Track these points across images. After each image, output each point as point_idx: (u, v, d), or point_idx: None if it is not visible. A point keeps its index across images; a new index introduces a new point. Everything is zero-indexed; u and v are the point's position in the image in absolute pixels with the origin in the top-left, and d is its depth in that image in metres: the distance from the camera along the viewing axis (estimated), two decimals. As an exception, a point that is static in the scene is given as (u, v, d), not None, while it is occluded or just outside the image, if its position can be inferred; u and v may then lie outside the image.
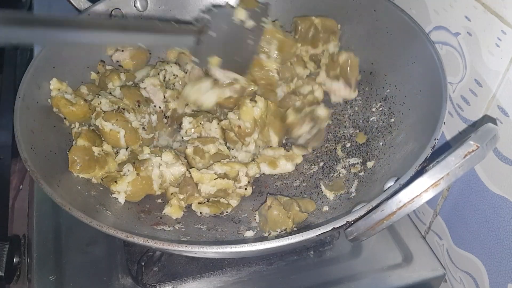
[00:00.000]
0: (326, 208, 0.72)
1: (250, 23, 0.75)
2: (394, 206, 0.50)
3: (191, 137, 0.77)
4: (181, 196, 0.73)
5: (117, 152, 0.75)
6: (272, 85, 0.80)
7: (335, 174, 0.77)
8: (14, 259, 0.75)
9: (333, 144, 0.81)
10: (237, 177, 0.74)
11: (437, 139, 0.58)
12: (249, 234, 0.69)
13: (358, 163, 0.76)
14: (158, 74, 0.82)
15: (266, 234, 0.68)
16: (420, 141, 0.62)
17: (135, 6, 0.88)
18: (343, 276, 0.72)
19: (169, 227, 0.70)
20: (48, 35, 0.55)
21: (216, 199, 0.73)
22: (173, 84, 0.84)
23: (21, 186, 0.89)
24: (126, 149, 0.75)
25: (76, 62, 0.81)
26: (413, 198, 0.49)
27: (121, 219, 0.68)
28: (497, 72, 0.61)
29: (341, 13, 0.84)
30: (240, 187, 0.74)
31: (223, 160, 0.74)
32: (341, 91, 0.83)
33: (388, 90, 0.78)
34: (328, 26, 0.84)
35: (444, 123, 0.60)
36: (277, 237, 0.59)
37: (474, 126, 0.67)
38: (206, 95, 0.76)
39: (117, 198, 0.71)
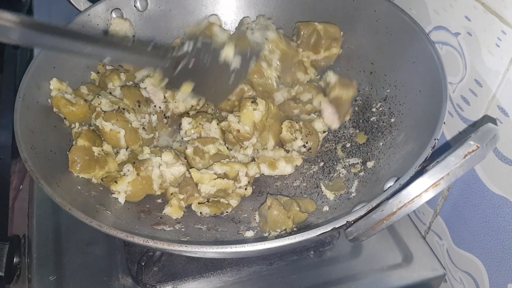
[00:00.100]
0: (326, 208, 0.72)
1: (236, 64, 0.71)
2: (394, 206, 0.50)
3: (191, 138, 0.77)
4: (181, 196, 0.73)
5: (117, 152, 0.75)
6: (270, 92, 0.81)
7: (335, 174, 0.77)
8: (14, 259, 0.75)
9: (333, 144, 0.81)
10: (237, 177, 0.74)
11: (437, 139, 0.58)
12: (249, 234, 0.69)
13: (358, 163, 0.76)
14: (158, 74, 0.82)
15: (266, 234, 0.68)
16: (420, 141, 0.62)
17: (135, 6, 0.88)
18: (343, 276, 0.72)
19: (169, 227, 0.70)
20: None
21: (216, 199, 0.73)
22: (173, 84, 0.84)
23: (21, 186, 0.89)
24: (126, 149, 0.75)
25: (76, 62, 0.81)
26: (413, 198, 0.49)
27: (121, 219, 0.68)
28: (497, 72, 0.61)
29: (341, 13, 0.84)
30: (240, 187, 0.74)
31: (223, 160, 0.74)
32: (327, 115, 0.81)
33: (388, 90, 0.78)
34: (331, 32, 0.84)
35: (444, 123, 0.60)
36: (277, 237, 0.59)
37: (474, 126, 0.67)
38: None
39: (117, 198, 0.71)
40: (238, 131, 0.75)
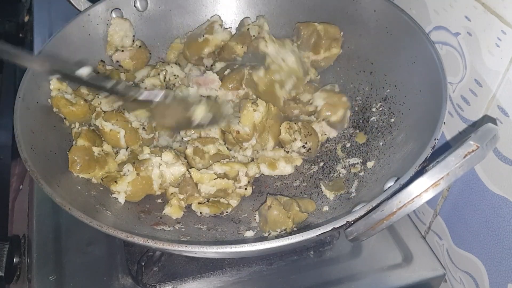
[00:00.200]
0: (326, 208, 0.72)
1: (201, 121, 0.72)
2: (394, 206, 0.50)
3: (191, 138, 0.77)
4: (181, 196, 0.73)
5: (117, 152, 0.75)
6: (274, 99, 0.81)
7: (335, 174, 0.77)
8: (14, 259, 0.75)
9: (333, 144, 0.81)
10: (237, 177, 0.74)
11: (437, 139, 0.58)
12: (249, 234, 0.69)
13: (358, 163, 0.76)
14: (159, 74, 0.82)
15: (266, 234, 0.68)
16: (420, 141, 0.62)
17: (135, 6, 0.88)
18: (343, 276, 0.72)
19: (169, 227, 0.70)
20: None
21: (216, 199, 0.73)
22: (174, 84, 0.84)
23: (21, 187, 0.89)
24: (126, 149, 0.75)
25: (76, 62, 0.81)
26: (413, 198, 0.49)
27: (121, 219, 0.68)
28: (497, 72, 0.61)
29: (341, 13, 0.84)
30: (240, 187, 0.74)
31: (222, 160, 0.74)
32: (323, 127, 0.82)
33: (388, 90, 0.78)
34: (331, 32, 0.84)
35: (444, 123, 0.60)
36: (277, 237, 0.59)
37: (474, 126, 0.67)
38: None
39: (117, 198, 0.71)
40: (238, 132, 0.75)
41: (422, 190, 0.49)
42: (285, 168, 0.78)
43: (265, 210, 0.68)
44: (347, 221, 0.53)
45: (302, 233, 0.52)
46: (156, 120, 0.72)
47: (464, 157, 0.48)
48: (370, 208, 0.53)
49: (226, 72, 0.82)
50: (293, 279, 0.72)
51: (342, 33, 0.85)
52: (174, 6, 0.90)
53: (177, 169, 0.73)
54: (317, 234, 0.52)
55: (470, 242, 0.72)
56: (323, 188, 0.75)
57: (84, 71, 0.62)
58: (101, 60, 0.85)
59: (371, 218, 0.51)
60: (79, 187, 0.68)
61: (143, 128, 0.77)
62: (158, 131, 0.80)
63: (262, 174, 0.78)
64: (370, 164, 0.74)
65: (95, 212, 0.65)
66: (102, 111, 0.74)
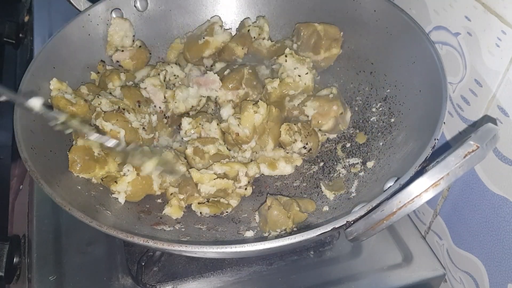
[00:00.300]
0: (326, 208, 0.72)
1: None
2: (394, 206, 0.50)
3: (191, 138, 0.77)
4: (181, 196, 0.73)
5: (117, 152, 0.75)
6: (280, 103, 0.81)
7: (335, 174, 0.77)
8: (14, 259, 0.75)
9: (333, 144, 0.81)
10: (237, 177, 0.74)
11: (437, 139, 0.58)
12: (249, 234, 0.69)
13: (358, 163, 0.76)
14: (159, 74, 0.82)
15: (266, 234, 0.68)
16: (420, 141, 0.62)
17: (135, 6, 0.88)
18: (343, 276, 0.72)
19: (169, 227, 0.70)
20: None
21: (216, 199, 0.73)
22: (174, 84, 0.84)
23: (21, 187, 0.89)
24: (126, 149, 0.75)
25: (76, 62, 0.81)
26: (413, 198, 0.49)
27: (121, 219, 0.68)
28: (497, 72, 0.61)
29: (341, 13, 0.84)
30: (240, 187, 0.74)
31: (222, 160, 0.74)
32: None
33: (388, 90, 0.78)
34: (331, 33, 0.84)
35: (444, 123, 0.60)
36: (277, 237, 0.59)
37: (474, 126, 0.67)
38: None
39: (117, 198, 0.71)
40: (237, 134, 0.75)
41: (422, 190, 0.49)
42: (285, 168, 0.78)
43: (265, 210, 0.68)
44: (347, 221, 0.53)
45: (302, 233, 0.52)
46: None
47: (464, 157, 0.48)
48: (370, 208, 0.53)
49: (226, 72, 0.82)
50: (293, 279, 0.72)
51: (342, 33, 0.85)
52: (174, 6, 0.90)
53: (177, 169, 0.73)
54: (317, 234, 0.52)
55: (470, 242, 0.72)
56: (323, 188, 0.75)
57: (35, 103, 0.62)
58: (101, 60, 0.85)
59: (371, 218, 0.51)
60: (79, 187, 0.69)
61: (143, 128, 0.77)
62: (158, 131, 0.80)
63: (262, 174, 0.78)
64: (370, 164, 0.74)
65: (95, 212, 0.65)
66: (102, 111, 0.74)
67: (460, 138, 0.67)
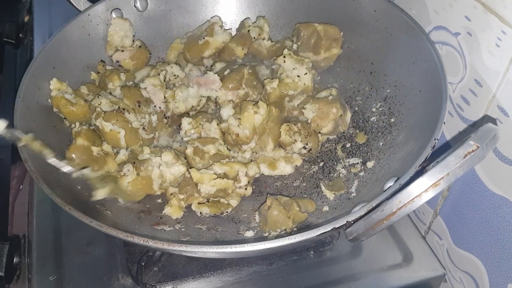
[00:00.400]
0: (326, 208, 0.72)
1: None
2: (394, 206, 0.50)
3: (191, 138, 0.77)
4: (181, 196, 0.73)
5: (117, 152, 0.75)
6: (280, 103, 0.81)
7: (335, 174, 0.77)
8: (14, 259, 0.75)
9: (333, 144, 0.81)
10: (237, 177, 0.74)
11: (437, 139, 0.58)
12: (249, 234, 0.69)
13: (358, 163, 0.76)
14: (159, 74, 0.82)
15: (266, 234, 0.68)
16: (420, 141, 0.62)
17: (135, 6, 0.88)
18: (343, 276, 0.72)
19: (169, 227, 0.70)
20: None
21: (216, 199, 0.73)
22: (174, 84, 0.84)
23: (21, 187, 0.89)
24: (126, 149, 0.75)
25: (76, 62, 0.81)
26: (413, 198, 0.49)
27: (121, 219, 0.68)
28: (497, 72, 0.61)
29: (341, 13, 0.84)
30: (240, 187, 0.74)
31: (222, 160, 0.74)
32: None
33: (388, 90, 0.78)
34: (331, 33, 0.84)
35: (444, 123, 0.60)
36: (277, 237, 0.59)
37: (474, 126, 0.67)
38: None
39: (117, 198, 0.70)
40: (237, 135, 0.75)
41: (422, 190, 0.49)
42: (285, 168, 0.78)
43: (265, 210, 0.68)
44: (347, 221, 0.53)
45: (302, 233, 0.52)
46: None
47: (464, 157, 0.48)
48: (370, 208, 0.53)
49: (226, 72, 0.82)
50: (293, 279, 0.72)
51: (342, 33, 0.85)
52: (174, 6, 0.90)
53: (177, 169, 0.73)
54: (317, 234, 0.52)
55: (470, 242, 0.72)
56: (323, 188, 0.75)
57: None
58: (101, 60, 0.85)
59: (371, 218, 0.51)
60: (79, 187, 0.68)
61: (143, 128, 0.77)
62: (158, 131, 0.80)
63: (262, 174, 0.78)
64: (370, 164, 0.74)
65: (95, 212, 0.65)
66: (102, 111, 0.74)
67: (460, 138, 0.67)
